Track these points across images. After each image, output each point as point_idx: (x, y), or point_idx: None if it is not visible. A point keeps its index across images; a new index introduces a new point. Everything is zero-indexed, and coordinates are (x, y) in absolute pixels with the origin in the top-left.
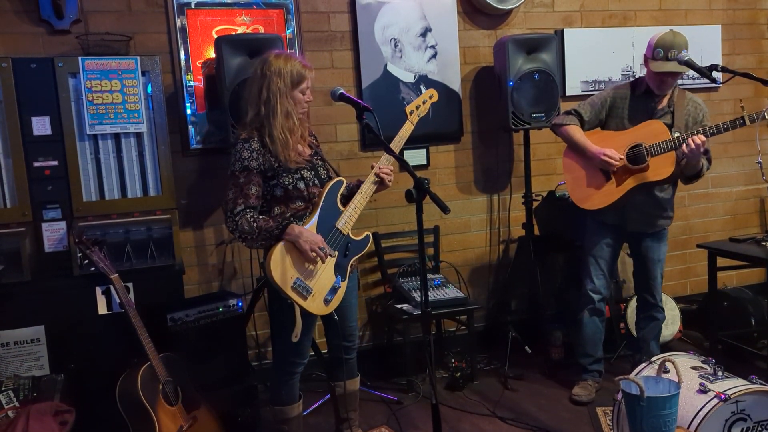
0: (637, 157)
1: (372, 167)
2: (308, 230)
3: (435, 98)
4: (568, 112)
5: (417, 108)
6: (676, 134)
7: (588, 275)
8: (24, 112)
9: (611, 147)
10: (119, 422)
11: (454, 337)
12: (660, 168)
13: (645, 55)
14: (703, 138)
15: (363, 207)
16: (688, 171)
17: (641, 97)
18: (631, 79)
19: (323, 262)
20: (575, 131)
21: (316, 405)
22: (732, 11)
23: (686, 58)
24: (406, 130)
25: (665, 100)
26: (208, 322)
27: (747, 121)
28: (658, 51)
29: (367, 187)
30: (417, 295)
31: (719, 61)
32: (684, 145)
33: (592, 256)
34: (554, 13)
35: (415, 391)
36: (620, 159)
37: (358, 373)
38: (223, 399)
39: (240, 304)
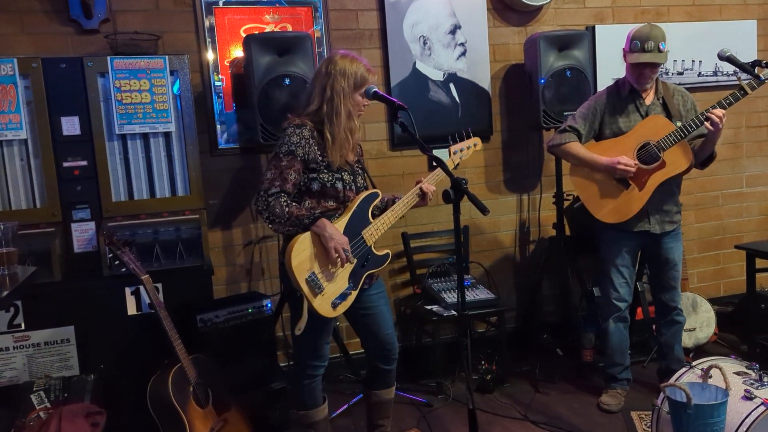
0: (648, 156)
1: (417, 182)
2: (337, 229)
3: (479, 147)
4: (563, 130)
5: (461, 150)
6: (678, 124)
7: (611, 285)
8: (53, 112)
9: (619, 154)
10: (150, 424)
11: (484, 338)
12: (678, 159)
13: (624, 49)
14: (723, 110)
15: (391, 224)
16: (704, 154)
17: (628, 98)
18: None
19: (342, 265)
20: (578, 148)
21: (344, 407)
22: None
23: (728, 53)
24: (447, 166)
25: (651, 95)
26: (238, 324)
27: (748, 90)
28: (635, 43)
29: (401, 206)
30: (447, 297)
31: (755, 57)
32: (707, 122)
33: (614, 266)
34: (585, 9)
35: (445, 393)
36: (635, 164)
37: (395, 383)
38: (253, 401)
39: (269, 305)
